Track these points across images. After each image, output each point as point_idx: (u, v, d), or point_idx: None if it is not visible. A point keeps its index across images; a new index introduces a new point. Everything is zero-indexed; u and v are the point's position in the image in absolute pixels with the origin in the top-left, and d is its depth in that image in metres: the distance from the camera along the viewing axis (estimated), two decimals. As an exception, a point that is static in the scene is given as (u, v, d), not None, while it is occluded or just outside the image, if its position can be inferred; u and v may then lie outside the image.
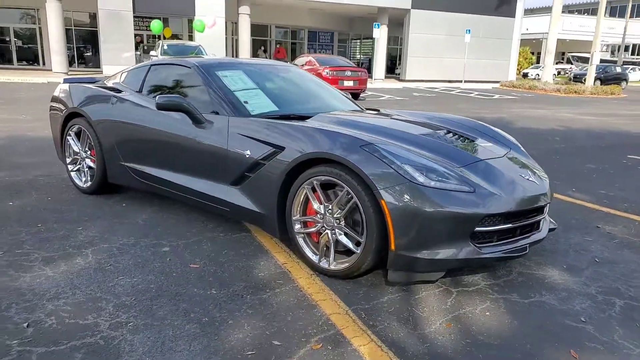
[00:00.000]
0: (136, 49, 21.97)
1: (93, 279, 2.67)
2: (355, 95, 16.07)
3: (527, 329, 2.29)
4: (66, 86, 4.53)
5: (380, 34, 24.59)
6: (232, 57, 20.02)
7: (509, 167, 2.93)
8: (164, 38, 21.91)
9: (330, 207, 2.69)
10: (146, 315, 2.31)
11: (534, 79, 29.85)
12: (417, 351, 2.08)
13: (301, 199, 2.82)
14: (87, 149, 4.24)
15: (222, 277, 2.75)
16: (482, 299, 2.57)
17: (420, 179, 2.46)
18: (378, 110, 4.09)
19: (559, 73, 45.93)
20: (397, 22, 27.85)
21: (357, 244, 2.62)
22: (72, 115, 4.31)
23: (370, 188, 2.48)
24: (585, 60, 45.48)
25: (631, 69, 36.26)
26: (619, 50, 46.30)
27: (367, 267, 2.61)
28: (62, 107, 4.41)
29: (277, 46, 31.27)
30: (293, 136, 2.86)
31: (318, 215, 2.76)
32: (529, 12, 53.46)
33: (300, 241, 2.87)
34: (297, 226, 2.87)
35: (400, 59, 33.42)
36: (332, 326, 2.25)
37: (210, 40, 20.99)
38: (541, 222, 2.92)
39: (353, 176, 2.55)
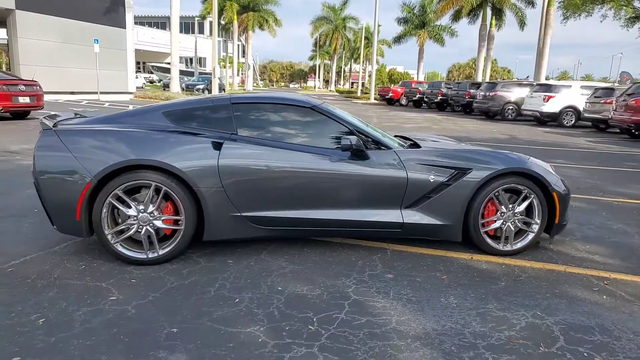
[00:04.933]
0: None
1: (454, 316, 2.93)
2: (26, 114, 13.66)
3: None
4: (87, 131, 3.42)
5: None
6: None
7: None
8: None
9: (511, 206, 3.84)
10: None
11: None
12: None
13: (484, 205, 3.81)
14: (155, 208, 3.42)
15: (490, 276, 3.47)
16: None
17: (556, 175, 3.99)
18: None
19: (151, 82, 48.95)
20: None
21: (525, 224, 3.90)
22: (120, 171, 3.34)
23: (545, 186, 3.83)
24: (165, 70, 50.21)
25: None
26: (191, 63, 53.23)
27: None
28: (90, 160, 3.31)
29: None
30: (474, 159, 3.80)
31: (498, 213, 3.84)
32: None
33: (487, 237, 3.85)
34: (482, 227, 3.84)
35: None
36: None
37: None
38: None
39: (530, 180, 3.81)
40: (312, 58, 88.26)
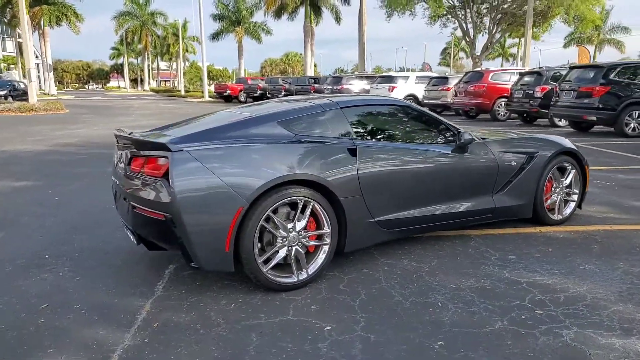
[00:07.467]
0: None
1: (614, 278, 3.31)
2: None
3: None
4: (227, 149, 2.94)
5: None
6: None
7: None
8: None
9: (562, 180, 4.44)
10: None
11: None
12: None
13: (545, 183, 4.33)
14: (304, 226, 3.14)
15: (576, 242, 3.97)
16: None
17: None
18: None
19: None
20: None
21: (568, 195, 4.55)
22: (270, 189, 2.97)
23: (581, 161, 4.52)
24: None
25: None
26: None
27: (575, 208, 4.63)
28: (239, 181, 2.88)
29: None
30: (537, 144, 4.30)
31: (553, 187, 4.42)
32: None
33: (547, 211, 4.38)
34: (545, 202, 4.36)
35: None
36: None
37: None
38: None
39: (571, 157, 4.47)
40: (113, 57, 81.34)
